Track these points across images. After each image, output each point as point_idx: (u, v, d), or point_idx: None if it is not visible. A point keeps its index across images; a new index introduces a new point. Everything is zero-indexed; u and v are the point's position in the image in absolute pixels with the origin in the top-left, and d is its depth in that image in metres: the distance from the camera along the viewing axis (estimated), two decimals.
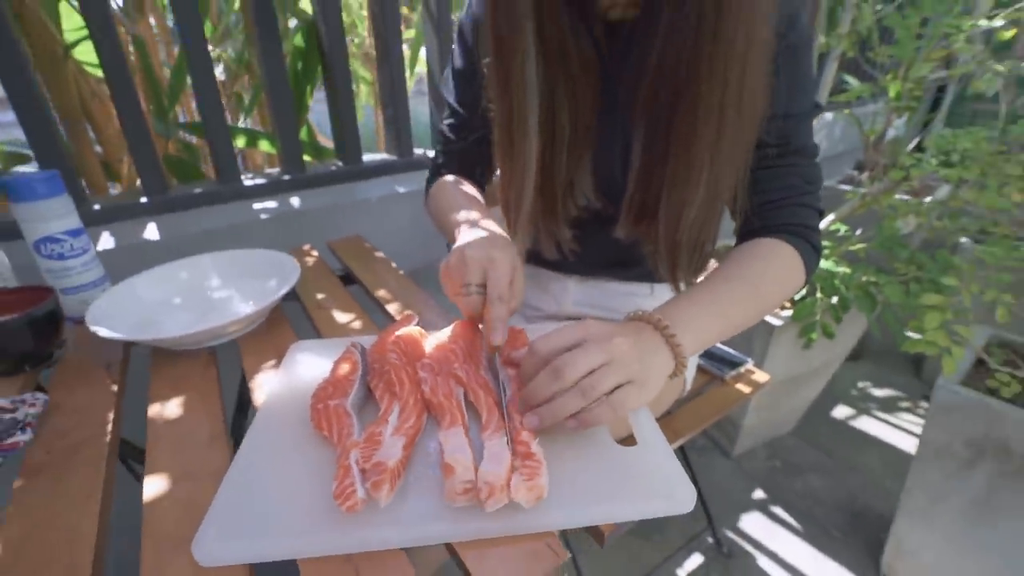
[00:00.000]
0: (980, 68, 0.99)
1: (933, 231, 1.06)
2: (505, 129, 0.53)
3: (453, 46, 0.65)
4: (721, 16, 0.42)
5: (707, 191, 0.49)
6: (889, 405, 1.58)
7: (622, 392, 0.38)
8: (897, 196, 1.37)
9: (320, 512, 0.35)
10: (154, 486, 0.38)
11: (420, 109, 1.23)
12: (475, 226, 0.52)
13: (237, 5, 1.33)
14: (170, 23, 1.27)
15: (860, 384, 1.68)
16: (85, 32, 0.89)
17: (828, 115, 2.29)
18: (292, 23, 1.00)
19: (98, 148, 1.03)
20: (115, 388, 0.51)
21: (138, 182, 1.11)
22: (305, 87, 1.03)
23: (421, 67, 1.75)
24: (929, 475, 0.96)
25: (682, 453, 1.05)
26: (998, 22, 0.81)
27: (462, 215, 0.56)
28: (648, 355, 0.41)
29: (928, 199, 1.55)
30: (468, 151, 0.67)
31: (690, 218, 0.51)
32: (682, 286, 0.58)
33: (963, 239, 1.41)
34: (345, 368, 0.48)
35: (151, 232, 0.83)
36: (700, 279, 0.55)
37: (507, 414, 0.41)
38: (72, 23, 0.87)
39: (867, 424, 1.50)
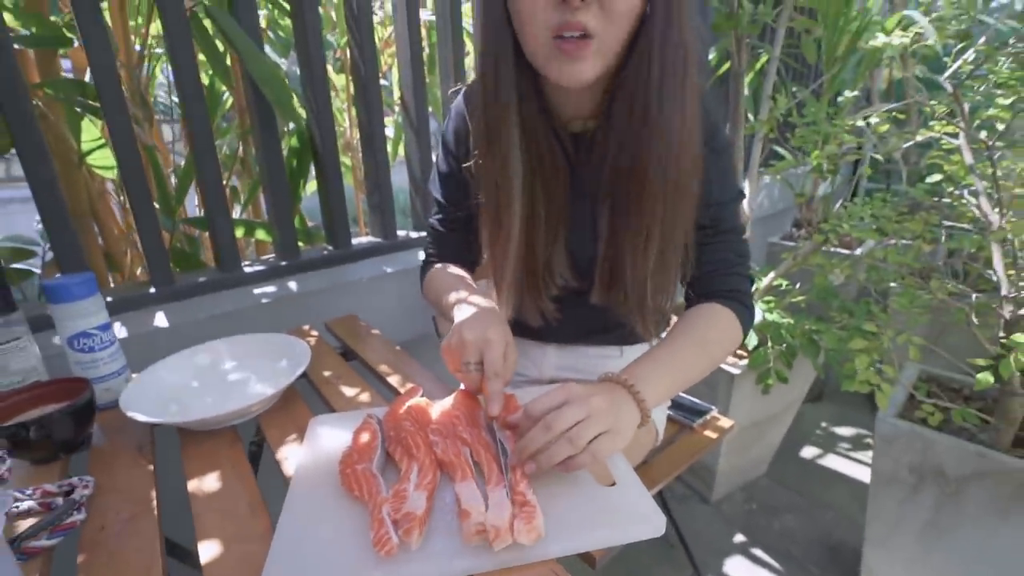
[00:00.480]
0: (881, 142, 1.20)
1: (860, 282, 1.22)
2: (493, 217, 0.64)
3: (437, 152, 0.77)
4: (660, 129, 0.55)
5: (659, 260, 0.61)
6: (852, 442, 1.70)
7: (600, 440, 0.46)
8: (830, 249, 1.56)
9: (362, 558, 0.42)
10: (209, 550, 0.44)
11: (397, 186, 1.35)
12: (470, 307, 0.61)
13: (229, 104, 1.47)
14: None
15: (823, 424, 1.80)
16: (100, 142, 0.99)
17: (766, 179, 2.56)
18: (289, 126, 1.13)
19: (99, 240, 1.10)
20: (151, 468, 0.56)
21: (139, 271, 1.18)
22: (299, 181, 1.14)
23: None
24: (884, 503, 1.06)
25: (662, 501, 1.12)
26: (873, 119, 1.02)
27: (456, 297, 0.64)
28: (621, 409, 0.50)
29: (858, 250, 1.75)
30: (456, 240, 0.77)
31: (648, 282, 0.62)
32: (652, 337, 0.70)
33: (892, 284, 1.60)
34: (366, 437, 0.55)
35: (160, 320, 0.89)
36: (659, 340, 0.66)
37: (507, 468, 0.49)
38: (89, 135, 0.97)
39: (833, 461, 1.60)
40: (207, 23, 1.04)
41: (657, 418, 0.87)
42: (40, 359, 0.67)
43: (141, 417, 0.58)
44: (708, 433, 0.99)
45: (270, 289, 1.03)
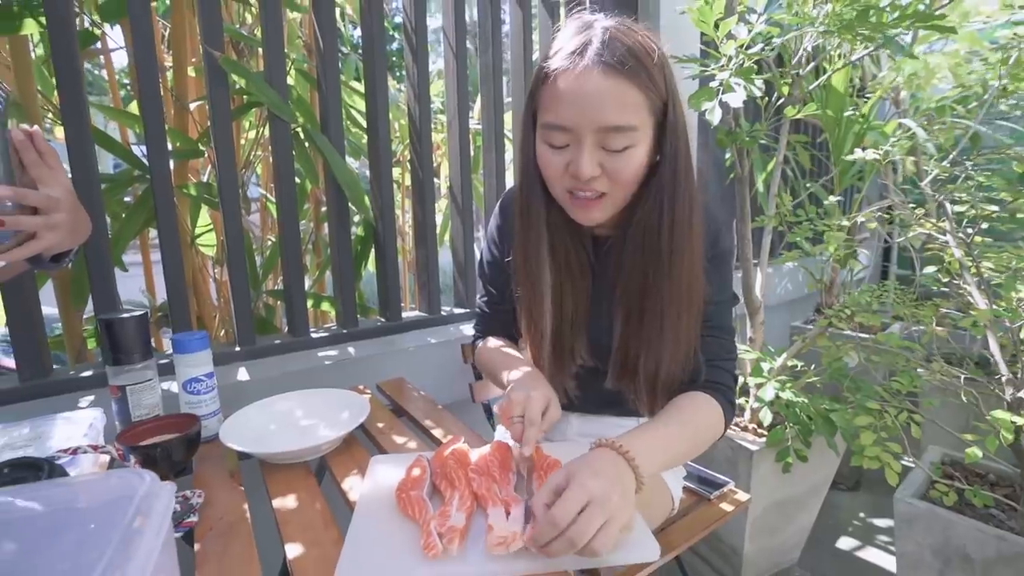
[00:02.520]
0: (902, 225, 1.31)
1: (872, 364, 1.29)
2: (528, 313, 0.76)
3: (485, 243, 0.91)
4: (673, 238, 0.65)
5: (673, 352, 0.69)
6: (889, 533, 1.64)
7: (600, 534, 0.49)
8: (847, 333, 1.63)
9: (414, 559, 0.53)
10: (294, 550, 0.56)
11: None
12: (518, 373, 0.73)
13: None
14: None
15: (860, 514, 1.76)
16: (209, 227, 1.24)
17: (790, 264, 2.67)
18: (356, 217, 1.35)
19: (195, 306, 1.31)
20: (242, 488, 0.70)
21: (222, 333, 1.38)
22: (361, 262, 1.35)
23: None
24: None
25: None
26: (860, 218, 1.16)
27: (507, 367, 0.77)
28: (623, 484, 0.54)
29: (877, 335, 1.80)
30: (500, 320, 0.90)
31: (663, 372, 0.70)
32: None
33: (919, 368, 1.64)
34: (417, 471, 0.67)
35: (242, 374, 1.06)
36: (653, 418, 0.71)
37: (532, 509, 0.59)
38: (203, 221, 1.22)
39: (870, 553, 1.56)
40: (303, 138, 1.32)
41: (673, 487, 0.93)
42: (161, 397, 0.83)
43: (238, 447, 0.73)
44: (724, 506, 1.05)
45: (332, 352, 1.19)
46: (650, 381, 0.72)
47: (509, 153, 1.92)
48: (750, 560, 1.41)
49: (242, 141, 1.42)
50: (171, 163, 1.03)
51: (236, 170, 1.08)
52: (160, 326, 1.29)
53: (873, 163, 1.42)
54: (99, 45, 1.35)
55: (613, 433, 0.93)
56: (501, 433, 0.96)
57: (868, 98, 1.91)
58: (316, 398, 0.92)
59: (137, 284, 1.61)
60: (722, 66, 1.09)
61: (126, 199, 1.26)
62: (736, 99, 0.96)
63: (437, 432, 0.88)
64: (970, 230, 1.13)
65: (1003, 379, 0.97)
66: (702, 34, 1.86)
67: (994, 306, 0.94)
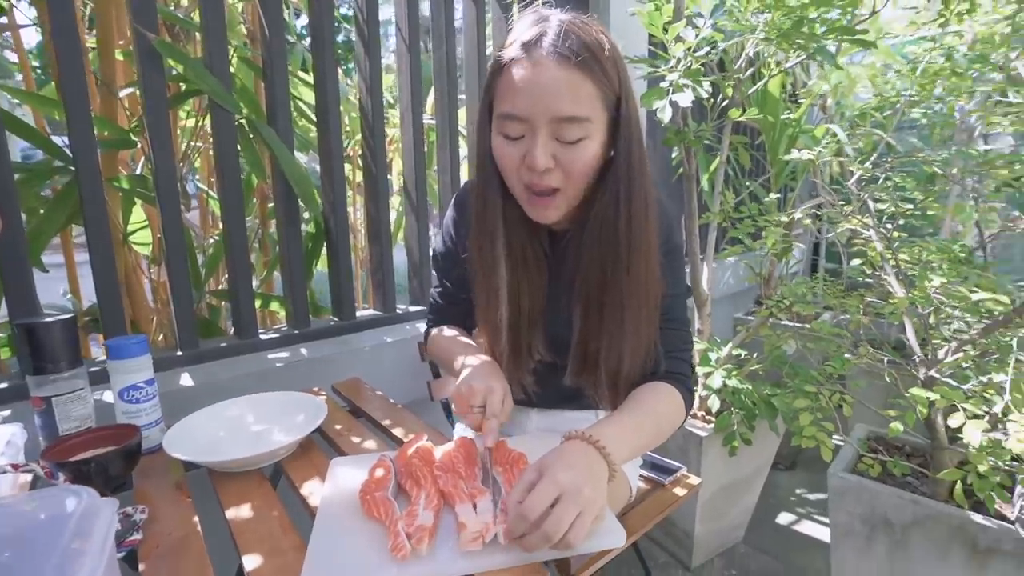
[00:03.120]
0: (831, 222, 1.41)
1: (808, 351, 1.38)
2: (484, 306, 0.75)
3: (440, 236, 0.89)
4: (631, 232, 0.65)
5: (635, 345, 0.70)
6: (824, 507, 1.77)
7: (575, 526, 0.50)
8: (782, 322, 1.74)
9: (382, 562, 0.52)
10: (253, 561, 0.54)
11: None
12: (475, 361, 0.73)
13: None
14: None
15: (798, 491, 1.88)
16: (144, 224, 1.15)
17: (732, 259, 2.82)
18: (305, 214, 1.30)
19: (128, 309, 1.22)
20: (190, 500, 0.66)
21: (160, 337, 1.29)
22: (312, 261, 1.30)
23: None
24: (845, 556, 1.14)
25: (643, 565, 1.19)
26: (798, 214, 1.24)
27: (461, 353, 0.77)
28: (595, 475, 0.55)
29: (809, 325, 1.92)
30: (453, 311, 0.90)
31: (625, 366, 0.71)
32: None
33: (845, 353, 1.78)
34: (381, 472, 0.66)
35: (186, 380, 0.99)
36: (619, 408, 0.71)
37: (496, 496, 0.60)
38: (136, 217, 1.13)
39: (808, 527, 1.67)
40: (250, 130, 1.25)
41: (631, 475, 0.96)
42: (93, 408, 0.77)
43: (185, 457, 0.68)
44: (678, 490, 1.09)
45: (283, 354, 1.14)
46: (611, 375, 0.72)
47: (463, 149, 1.90)
48: (700, 541, 1.48)
49: (177, 132, 1.33)
50: (98, 153, 0.95)
51: (174, 162, 1.01)
52: (88, 332, 1.19)
53: (806, 163, 1.52)
54: (4, 20, 1.22)
55: (573, 427, 0.95)
56: (462, 430, 0.96)
57: (799, 104, 2.05)
58: (268, 402, 0.88)
59: (57, 287, 1.47)
60: (671, 67, 1.13)
61: (43, 192, 1.15)
62: (685, 99, 1.00)
63: (398, 431, 0.87)
64: (889, 226, 1.23)
65: (917, 360, 1.07)
66: (650, 35, 1.93)
67: (909, 295, 1.03)
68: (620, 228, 0.66)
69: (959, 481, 0.86)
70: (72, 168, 0.97)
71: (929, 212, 1.32)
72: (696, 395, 1.51)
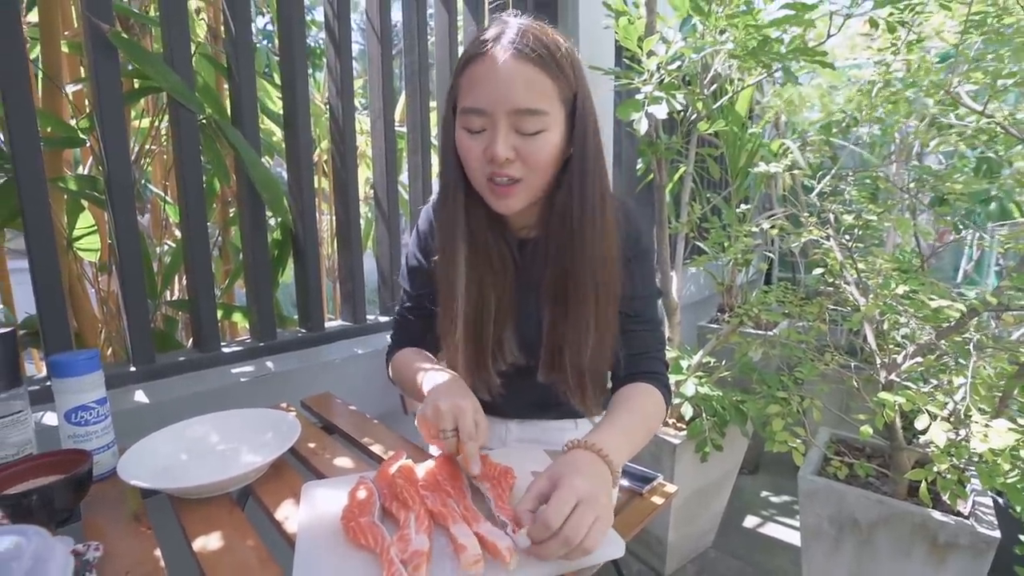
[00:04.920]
0: (783, 240, 1.46)
1: (775, 357, 1.43)
2: (444, 308, 0.76)
3: (411, 247, 0.86)
4: (584, 223, 0.68)
5: (596, 349, 0.72)
6: (787, 509, 1.83)
7: (592, 531, 0.49)
8: (747, 330, 1.79)
9: None
10: None
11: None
12: (438, 379, 0.69)
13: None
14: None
15: (762, 494, 1.93)
16: (92, 228, 1.06)
17: (692, 269, 2.90)
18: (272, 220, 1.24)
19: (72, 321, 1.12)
20: (151, 532, 0.59)
21: (109, 351, 1.18)
22: (279, 269, 1.23)
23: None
24: (814, 557, 1.17)
25: (618, 573, 1.18)
26: (765, 224, 1.28)
27: (423, 373, 0.73)
28: (605, 482, 0.56)
29: (774, 331, 2.00)
30: (420, 326, 0.87)
31: (586, 359, 0.73)
32: (594, 413, 0.79)
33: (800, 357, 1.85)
34: (363, 494, 0.62)
35: (140, 397, 0.91)
36: (607, 413, 0.72)
37: (497, 516, 0.57)
38: (84, 222, 1.04)
39: (774, 529, 1.72)
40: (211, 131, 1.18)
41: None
42: (34, 432, 0.69)
43: (144, 484, 0.62)
44: (655, 499, 1.09)
45: (247, 368, 1.07)
46: (576, 370, 0.74)
47: (434, 156, 1.87)
48: (674, 548, 1.49)
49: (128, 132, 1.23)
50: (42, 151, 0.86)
51: (128, 162, 0.93)
52: (24, 346, 1.08)
53: (762, 176, 1.58)
54: None
55: (553, 437, 0.94)
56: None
57: (754, 120, 2.14)
58: (234, 420, 0.81)
59: None
60: (645, 80, 1.15)
61: None
62: (661, 111, 1.02)
63: (376, 448, 0.82)
64: (847, 237, 1.29)
65: (879, 364, 1.12)
66: (618, 47, 1.97)
67: (876, 302, 1.07)
68: (574, 218, 0.68)
69: (923, 480, 0.90)
70: (8, 167, 0.88)
71: (886, 224, 1.39)
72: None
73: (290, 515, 0.63)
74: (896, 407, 0.91)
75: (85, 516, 0.63)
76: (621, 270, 0.73)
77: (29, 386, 0.81)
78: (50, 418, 0.85)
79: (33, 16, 1.10)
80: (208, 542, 0.57)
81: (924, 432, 0.83)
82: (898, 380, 1.05)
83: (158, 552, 0.56)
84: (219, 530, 0.59)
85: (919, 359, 1.00)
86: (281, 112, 1.20)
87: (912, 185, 1.15)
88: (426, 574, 0.49)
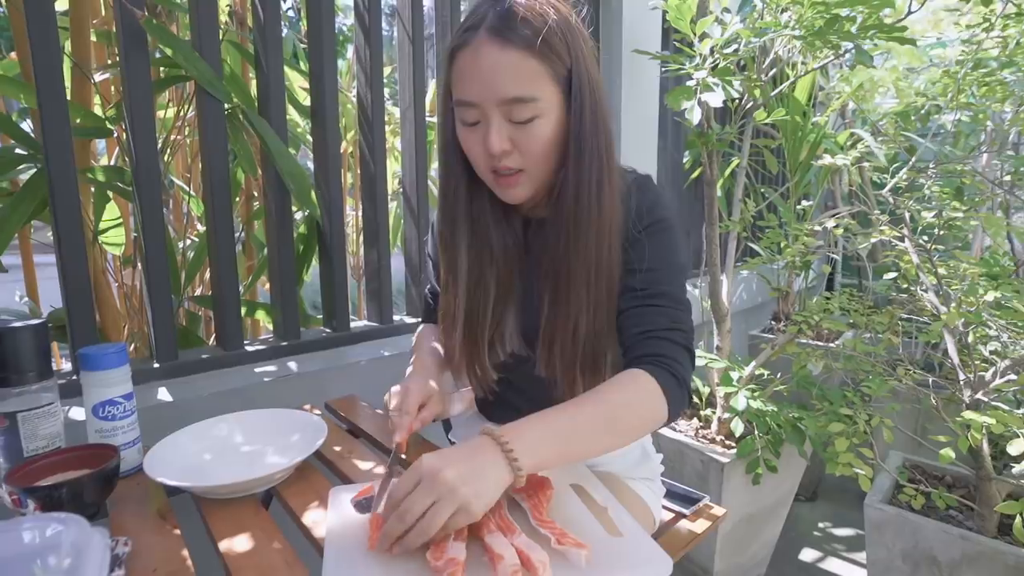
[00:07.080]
0: (849, 241, 1.42)
1: (838, 371, 1.39)
2: (446, 288, 0.79)
3: (432, 240, 0.91)
4: (581, 221, 0.68)
5: (590, 320, 0.71)
6: (849, 542, 1.76)
7: (452, 520, 0.52)
8: (806, 341, 1.75)
9: None
10: None
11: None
12: (415, 367, 0.81)
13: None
14: None
15: (820, 524, 1.87)
16: (117, 221, 1.12)
17: (744, 273, 2.84)
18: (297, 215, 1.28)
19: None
20: (178, 532, 0.62)
21: (132, 347, 1.25)
22: (303, 267, 1.28)
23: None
24: None
25: None
26: (830, 223, 1.25)
27: (415, 360, 0.84)
28: (479, 474, 0.53)
29: (837, 342, 1.94)
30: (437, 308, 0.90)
31: (580, 347, 0.72)
32: None
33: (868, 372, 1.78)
34: None
35: (164, 395, 0.96)
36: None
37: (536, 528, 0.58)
38: (110, 214, 1.10)
39: (833, 564, 1.66)
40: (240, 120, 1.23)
41: (653, 505, 0.94)
42: (63, 425, 0.73)
43: (170, 481, 0.65)
44: (702, 521, 1.08)
45: (270, 368, 1.11)
46: (567, 356, 0.73)
47: None
48: None
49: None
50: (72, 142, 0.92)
51: (156, 153, 0.99)
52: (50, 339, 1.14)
53: (827, 171, 1.54)
54: None
55: None
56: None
57: (816, 108, 2.08)
58: (260, 420, 0.85)
59: (11, 291, 1.43)
60: (697, 65, 1.14)
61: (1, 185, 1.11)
62: (716, 99, 1.01)
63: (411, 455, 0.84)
64: (925, 238, 1.25)
65: (962, 381, 1.07)
66: (664, 30, 1.95)
67: (957, 311, 1.03)
68: (568, 197, 0.69)
69: (1018, 515, 0.86)
70: (39, 157, 0.94)
71: (972, 222, 1.34)
72: (709, 417, 1.50)
73: (318, 520, 0.65)
74: (984, 430, 0.87)
75: (111, 512, 0.67)
76: (627, 249, 0.72)
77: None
78: (75, 413, 0.90)
79: (60, 5, 1.17)
80: (234, 543, 0.60)
81: (1019, 460, 0.79)
82: (986, 400, 1.00)
83: (185, 551, 0.59)
84: (245, 531, 0.62)
85: (1012, 376, 0.96)
86: (306, 102, 1.24)
87: (1007, 179, 1.10)
88: None
